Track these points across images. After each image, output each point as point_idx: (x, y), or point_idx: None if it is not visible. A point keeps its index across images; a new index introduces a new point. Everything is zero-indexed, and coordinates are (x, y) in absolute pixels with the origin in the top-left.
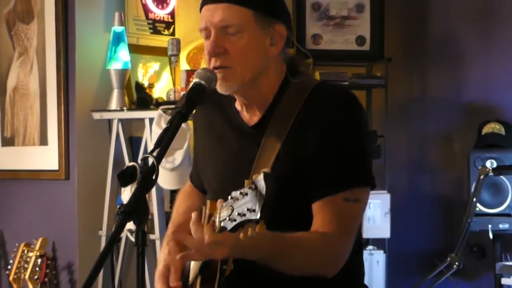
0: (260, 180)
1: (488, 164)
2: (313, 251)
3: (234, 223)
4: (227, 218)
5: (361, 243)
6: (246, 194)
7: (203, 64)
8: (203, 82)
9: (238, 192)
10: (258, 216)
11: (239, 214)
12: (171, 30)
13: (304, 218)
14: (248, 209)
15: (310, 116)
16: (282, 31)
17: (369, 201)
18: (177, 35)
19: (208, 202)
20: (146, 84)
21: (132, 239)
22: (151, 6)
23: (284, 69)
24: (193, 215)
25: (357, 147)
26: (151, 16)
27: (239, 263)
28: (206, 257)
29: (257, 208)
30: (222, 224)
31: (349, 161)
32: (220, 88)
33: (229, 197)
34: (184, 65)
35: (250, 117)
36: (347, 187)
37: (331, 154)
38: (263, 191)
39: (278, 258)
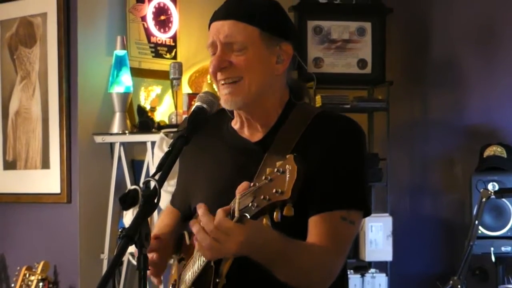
0: (289, 162)
1: (490, 187)
2: (314, 262)
3: (257, 209)
4: (249, 205)
5: (346, 270)
6: (272, 179)
7: (205, 88)
8: (205, 106)
9: (263, 177)
10: (289, 196)
11: (264, 198)
12: (173, 53)
13: (298, 235)
14: (276, 191)
15: (314, 139)
16: (288, 50)
17: (371, 224)
18: (179, 59)
19: None
20: (148, 107)
21: (134, 262)
22: (153, 30)
23: (288, 91)
24: (203, 206)
25: (358, 172)
26: (153, 39)
27: (231, 277)
28: (215, 249)
29: (287, 188)
30: (242, 213)
31: (349, 183)
32: (225, 103)
33: (251, 185)
34: (186, 89)
35: (251, 134)
36: (345, 206)
37: (333, 174)
38: (294, 172)
39: (283, 261)
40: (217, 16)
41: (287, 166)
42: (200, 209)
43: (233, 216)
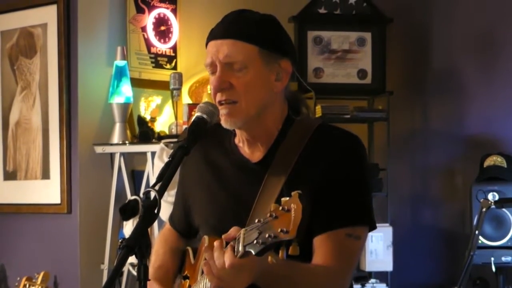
0: (294, 201)
1: (490, 197)
2: (319, 285)
3: (262, 246)
4: (254, 242)
5: (352, 283)
6: (277, 216)
7: (205, 98)
8: (205, 116)
9: (268, 215)
10: (294, 235)
11: (269, 236)
12: (173, 64)
13: (304, 255)
14: (281, 230)
15: (314, 155)
16: (287, 68)
17: (371, 234)
18: (179, 69)
19: (206, 238)
20: (148, 118)
21: (134, 273)
22: (153, 40)
23: (287, 106)
24: (216, 242)
25: (361, 187)
26: (153, 50)
27: None
28: (226, 285)
29: (292, 228)
30: (247, 249)
31: (353, 199)
32: (225, 123)
33: (256, 221)
34: (186, 99)
35: (252, 153)
36: (350, 223)
37: (336, 192)
38: (300, 211)
39: (288, 285)
40: (215, 35)
41: (292, 204)
42: (216, 243)
43: (238, 249)
